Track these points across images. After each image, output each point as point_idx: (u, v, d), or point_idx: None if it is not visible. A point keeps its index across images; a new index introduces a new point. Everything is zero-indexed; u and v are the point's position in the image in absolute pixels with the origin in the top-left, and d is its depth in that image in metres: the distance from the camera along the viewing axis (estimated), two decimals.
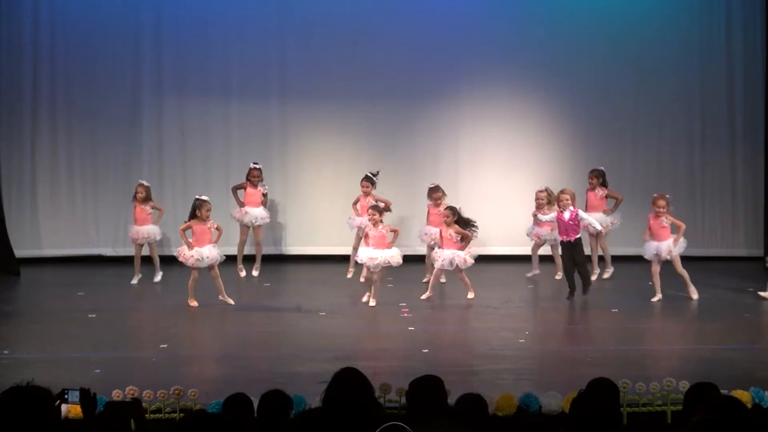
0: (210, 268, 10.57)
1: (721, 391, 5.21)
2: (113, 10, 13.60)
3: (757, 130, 14.20)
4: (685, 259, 13.55)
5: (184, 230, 10.61)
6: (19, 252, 12.96)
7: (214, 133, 13.96)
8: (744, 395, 6.37)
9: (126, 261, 12.25)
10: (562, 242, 11.12)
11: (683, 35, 14.21)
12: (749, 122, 14.31)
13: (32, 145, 13.59)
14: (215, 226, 10.78)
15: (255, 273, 12.59)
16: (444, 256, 10.89)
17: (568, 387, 6.42)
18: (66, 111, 13.66)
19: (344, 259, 12.99)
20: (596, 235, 12.25)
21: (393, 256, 10.65)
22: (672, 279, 11.28)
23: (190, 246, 10.49)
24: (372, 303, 10.56)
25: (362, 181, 12.41)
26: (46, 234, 13.64)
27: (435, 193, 12.06)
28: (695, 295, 10.94)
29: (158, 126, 13.84)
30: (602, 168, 12.53)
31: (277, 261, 13.83)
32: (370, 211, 10.84)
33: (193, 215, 10.62)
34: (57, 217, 13.67)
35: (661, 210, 10.90)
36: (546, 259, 12.41)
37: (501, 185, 13.90)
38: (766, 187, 13.84)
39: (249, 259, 12.73)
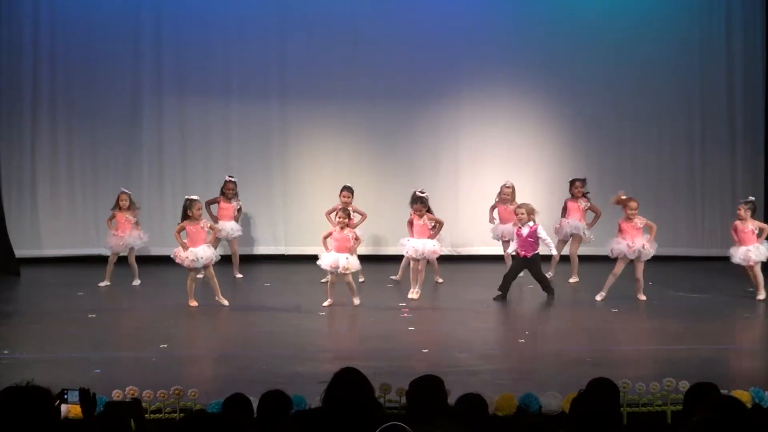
0: (205, 267, 10.57)
1: (721, 391, 5.20)
2: (113, 10, 13.61)
3: (757, 130, 14.21)
4: (686, 259, 13.62)
5: (178, 232, 10.59)
6: (19, 252, 12.96)
7: (214, 133, 13.97)
8: (744, 395, 6.36)
9: (125, 261, 12.24)
10: (517, 256, 11.07)
11: (683, 35, 14.22)
12: (749, 122, 14.32)
13: (32, 145, 13.60)
14: (208, 225, 10.80)
15: (239, 275, 12.52)
16: (412, 244, 10.87)
17: (568, 387, 6.41)
18: (66, 111, 13.67)
19: None
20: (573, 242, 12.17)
21: (352, 265, 10.54)
22: (674, 279, 11.29)
23: (185, 247, 10.48)
24: (357, 302, 10.53)
25: (343, 191, 12.23)
26: (46, 234, 13.65)
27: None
28: (643, 297, 10.85)
29: (158, 126, 13.84)
30: (584, 178, 12.39)
31: (277, 261, 13.84)
32: (340, 213, 10.71)
33: (185, 216, 10.62)
34: (57, 217, 13.68)
35: (634, 212, 10.85)
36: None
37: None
38: (766, 187, 13.85)
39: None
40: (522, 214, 11.03)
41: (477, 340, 9.23)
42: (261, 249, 13.98)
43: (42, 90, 13.56)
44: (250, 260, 13.61)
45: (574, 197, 12.24)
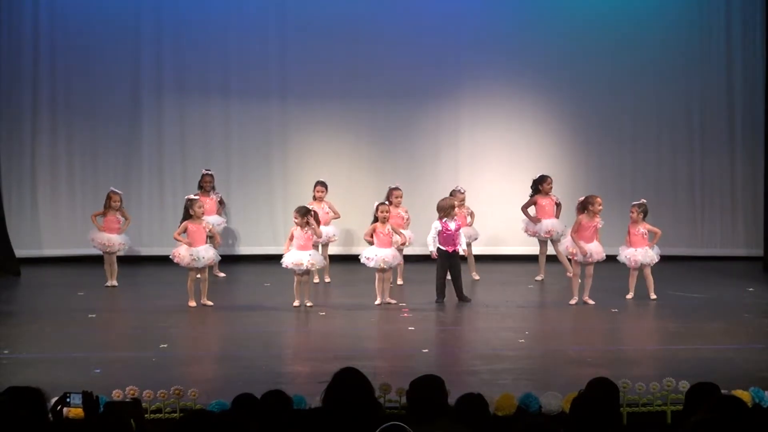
0: (203, 269, 10.55)
1: (722, 391, 5.20)
2: (113, 10, 13.61)
3: (757, 130, 14.19)
4: (686, 259, 13.61)
5: (179, 234, 10.57)
6: (19, 252, 12.95)
7: (214, 133, 13.97)
8: (744, 395, 6.37)
9: (126, 261, 12.24)
10: (439, 250, 10.77)
11: (683, 35, 14.21)
12: (749, 122, 14.30)
13: (32, 145, 13.60)
14: (210, 227, 10.80)
15: (222, 274, 12.41)
16: (382, 255, 10.57)
17: (568, 387, 6.42)
18: (66, 111, 13.66)
19: (343, 258, 13.02)
20: (555, 241, 12.08)
21: (316, 261, 10.60)
22: (673, 279, 11.28)
23: (189, 245, 10.46)
24: (309, 303, 10.48)
25: (316, 186, 12.23)
26: (46, 234, 13.64)
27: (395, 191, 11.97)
28: (574, 302, 10.69)
29: (158, 126, 13.84)
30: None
31: (277, 261, 13.82)
32: (295, 214, 10.54)
33: (186, 215, 10.62)
34: (57, 217, 13.67)
35: (600, 208, 10.72)
36: (549, 259, 12.36)
37: (501, 185, 13.88)
38: (766, 187, 13.84)
39: None
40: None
41: (477, 340, 9.23)
42: (261, 249, 13.95)
43: (42, 90, 13.56)
44: (250, 260, 13.61)
45: (544, 193, 12.15)
